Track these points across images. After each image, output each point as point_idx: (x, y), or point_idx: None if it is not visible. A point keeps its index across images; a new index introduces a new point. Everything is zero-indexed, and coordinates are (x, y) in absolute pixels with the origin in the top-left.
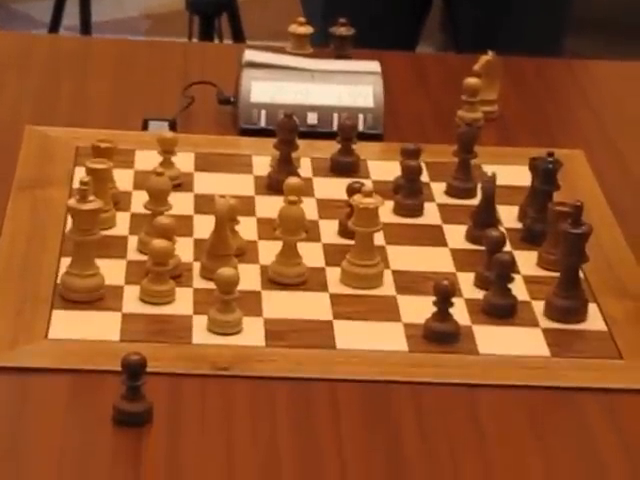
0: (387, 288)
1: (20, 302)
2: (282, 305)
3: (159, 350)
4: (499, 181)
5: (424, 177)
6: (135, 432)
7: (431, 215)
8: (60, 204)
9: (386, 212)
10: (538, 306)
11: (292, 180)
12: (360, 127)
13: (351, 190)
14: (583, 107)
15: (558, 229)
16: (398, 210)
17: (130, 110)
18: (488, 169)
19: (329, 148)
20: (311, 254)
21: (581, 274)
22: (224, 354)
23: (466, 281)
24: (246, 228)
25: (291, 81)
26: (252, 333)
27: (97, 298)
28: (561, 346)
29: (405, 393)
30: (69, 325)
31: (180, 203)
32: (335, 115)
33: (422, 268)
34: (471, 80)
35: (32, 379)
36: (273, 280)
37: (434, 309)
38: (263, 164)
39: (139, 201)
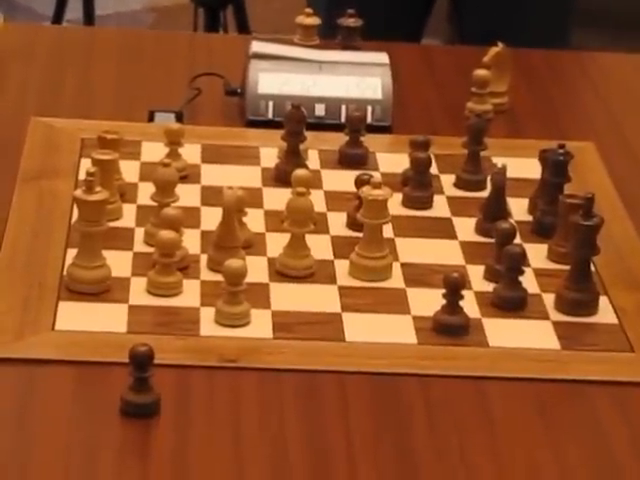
0: (396, 281)
1: (26, 294)
2: (290, 297)
3: (166, 342)
4: (509, 173)
5: (433, 169)
6: (143, 424)
7: (440, 207)
8: (66, 195)
9: (395, 204)
10: (549, 299)
11: (300, 172)
12: (368, 119)
13: (360, 182)
14: (593, 99)
15: (569, 221)
16: (407, 202)
17: (136, 101)
18: (498, 161)
19: (337, 140)
20: (319, 246)
21: (592, 267)
22: (232, 346)
23: (476, 274)
24: (254, 220)
25: (299, 72)
26: (260, 325)
27: (104, 290)
28: (571, 339)
29: (414, 386)
30: (76, 317)
31: (187, 195)
32: (343, 107)
33: (431, 261)
34: (481, 72)
35: (39, 371)
36: (281, 272)
37: (443, 302)
38: (270, 156)
39: (145, 193)
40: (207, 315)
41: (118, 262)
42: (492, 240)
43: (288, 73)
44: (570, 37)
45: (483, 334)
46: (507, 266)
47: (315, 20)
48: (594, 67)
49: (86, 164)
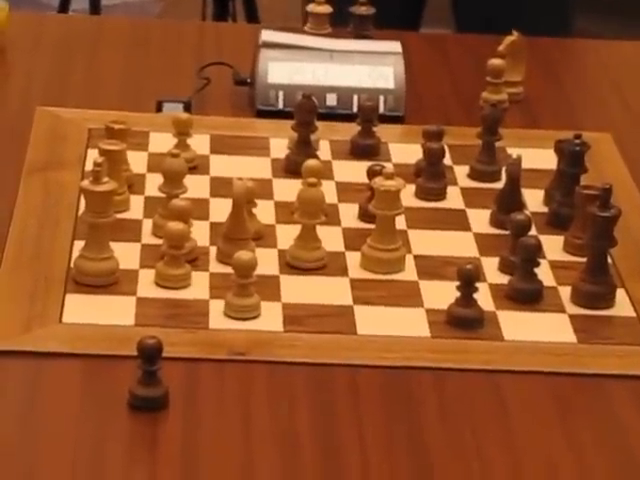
0: (409, 273)
1: (33, 286)
2: (301, 290)
3: (175, 335)
4: (524, 164)
5: (447, 160)
6: (151, 417)
7: (454, 199)
8: (73, 186)
9: (408, 196)
10: (565, 292)
11: (311, 162)
12: (381, 109)
13: (372, 173)
14: (610, 89)
15: (585, 213)
16: (420, 194)
17: (144, 91)
18: (513, 152)
19: (349, 130)
20: (331, 238)
21: (609, 259)
22: (241, 339)
23: (490, 266)
24: (264, 211)
25: (309, 61)
26: (270, 318)
27: (111, 282)
28: (588, 332)
29: (427, 380)
30: (83, 309)
31: (196, 186)
32: (355, 96)
33: (445, 253)
34: (495, 61)
35: (46, 364)
36: (291, 264)
37: (457, 294)
38: (281, 146)
39: (153, 184)
40: (216, 308)
41: (126, 254)
42: (507, 232)
43: (299, 62)
44: (573, 25)
45: (498, 327)
46: (522, 258)
47: (327, 8)
48: (611, 56)
49: (93, 155)
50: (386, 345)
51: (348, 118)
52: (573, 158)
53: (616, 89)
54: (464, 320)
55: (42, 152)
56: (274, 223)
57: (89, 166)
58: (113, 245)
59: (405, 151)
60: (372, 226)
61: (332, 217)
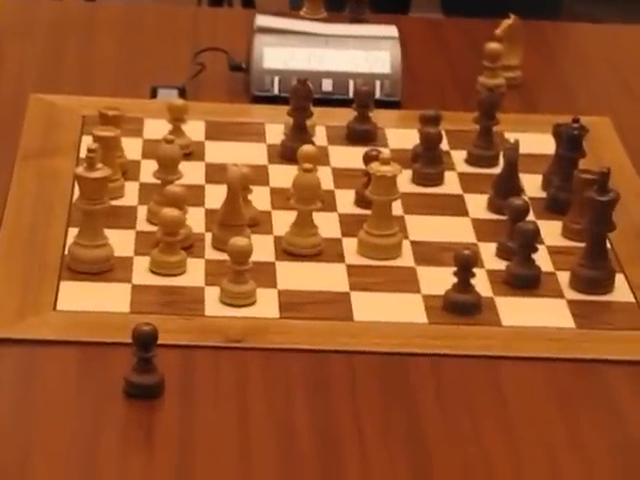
0: (406, 259)
1: (27, 274)
2: (297, 276)
3: (170, 322)
4: (522, 149)
5: (444, 145)
6: (147, 405)
7: (451, 184)
8: (67, 173)
9: (404, 181)
10: (563, 277)
11: (307, 147)
12: (377, 94)
13: (368, 158)
14: (609, 72)
15: (584, 197)
16: (417, 179)
17: (138, 77)
18: (511, 136)
19: (345, 115)
20: (327, 224)
21: (608, 244)
22: (237, 326)
23: (488, 251)
24: (259, 198)
25: (305, 46)
26: (266, 304)
27: (106, 269)
28: (587, 318)
29: (424, 366)
30: (77, 297)
31: (191, 172)
32: (351, 81)
33: (442, 238)
34: (492, 45)
35: (41, 351)
36: (287, 251)
37: (454, 280)
38: (276, 132)
39: (148, 170)
40: (212, 294)
41: (121, 241)
42: (505, 217)
43: (294, 47)
44: (561, 7)
45: (495, 313)
46: (520, 243)
47: None
48: (610, 40)
49: (87, 141)
50: (383, 331)
51: (344, 103)
52: (571, 142)
53: (615, 73)
54: (461, 306)
55: (36, 139)
56: (270, 209)
57: (83, 153)
58: (108, 232)
59: (402, 136)
60: (368, 212)
61: (328, 203)
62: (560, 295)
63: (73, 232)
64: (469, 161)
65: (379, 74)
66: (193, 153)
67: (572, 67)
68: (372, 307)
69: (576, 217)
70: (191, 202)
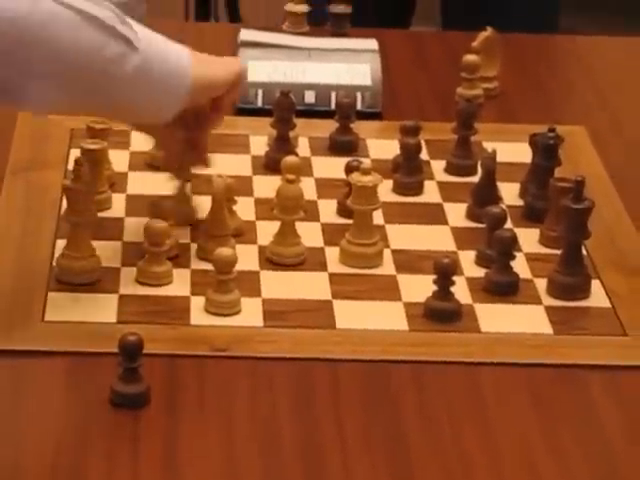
0: (387, 267)
1: (15, 285)
2: (281, 285)
3: (156, 331)
4: (499, 158)
5: (423, 155)
6: (133, 414)
7: (431, 193)
8: (55, 186)
9: (385, 191)
10: (540, 283)
11: (290, 158)
12: (358, 105)
13: (349, 168)
14: (584, 83)
15: (560, 205)
16: (397, 188)
17: None
18: (488, 146)
19: (327, 127)
20: (310, 234)
21: (584, 250)
22: (222, 335)
23: (467, 259)
24: (244, 208)
25: (288, 60)
26: (250, 314)
27: (93, 280)
28: (564, 323)
29: (406, 372)
30: (65, 307)
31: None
32: (333, 93)
33: (422, 247)
34: (470, 57)
35: (28, 362)
36: (271, 260)
37: (434, 288)
38: (260, 144)
39: (135, 182)
40: (197, 304)
41: (108, 252)
42: (483, 225)
43: (277, 61)
44: (558, 22)
45: (475, 320)
46: (498, 251)
47: (304, 7)
48: (585, 50)
49: (75, 154)
50: (365, 339)
51: (326, 115)
52: (547, 151)
53: (590, 83)
54: (442, 313)
55: (25, 152)
56: (254, 219)
57: (72, 165)
58: (95, 243)
59: (382, 147)
60: (350, 221)
61: (311, 213)
62: (538, 301)
63: (61, 244)
64: (448, 170)
65: (360, 86)
66: None
67: (548, 78)
68: (354, 315)
69: (552, 225)
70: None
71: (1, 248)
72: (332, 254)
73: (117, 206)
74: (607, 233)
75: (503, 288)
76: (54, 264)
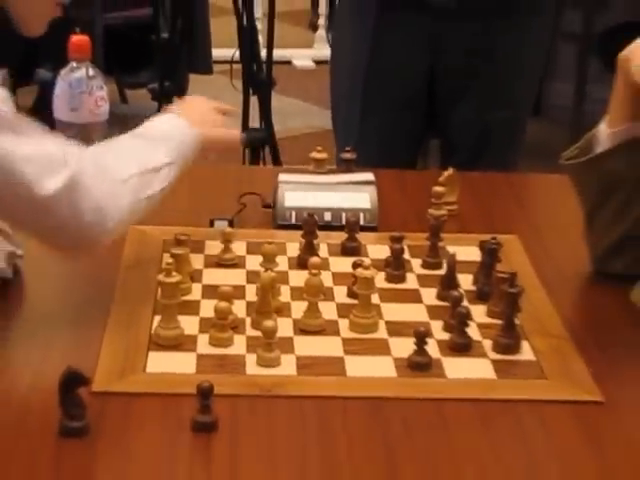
0: (381, 333)
1: (126, 346)
2: (308, 346)
3: (222, 379)
4: (458, 257)
5: (406, 255)
6: (207, 437)
7: (411, 281)
8: (153, 279)
9: (380, 280)
10: (487, 344)
11: (314, 259)
12: (361, 222)
13: (355, 265)
14: (518, 206)
15: (500, 290)
16: (388, 278)
17: (201, 213)
18: (451, 249)
19: (340, 237)
20: (328, 310)
21: (517, 321)
22: (268, 381)
23: (437, 327)
24: (283, 293)
25: (312, 191)
26: (287, 366)
27: (179, 343)
28: (504, 371)
29: (395, 406)
30: (160, 362)
31: (236, 277)
32: (343, 214)
33: (406, 319)
34: (437, 188)
35: (134, 400)
36: (302, 329)
37: (414, 347)
38: (294, 249)
39: (208, 276)
40: (251, 359)
41: (189, 324)
42: (447, 304)
43: (305, 192)
44: (517, 163)
45: (442, 369)
46: (458, 321)
47: (324, 155)
48: (520, 184)
49: (166, 257)
50: (367, 383)
51: (339, 228)
52: (491, 253)
53: (522, 206)
54: (419, 365)
55: (133, 256)
56: (290, 301)
57: (164, 264)
58: (180, 318)
59: (378, 250)
60: (356, 302)
61: (329, 296)
62: (485, 356)
63: (157, 318)
64: (423, 266)
65: (362, 208)
66: (238, 264)
67: (492, 203)
68: (359, 366)
69: (496, 303)
70: (236, 296)
71: (117, 321)
72: (343, 324)
73: (195, 292)
74: (533, 309)
75: (462, 347)
76: (152, 332)
